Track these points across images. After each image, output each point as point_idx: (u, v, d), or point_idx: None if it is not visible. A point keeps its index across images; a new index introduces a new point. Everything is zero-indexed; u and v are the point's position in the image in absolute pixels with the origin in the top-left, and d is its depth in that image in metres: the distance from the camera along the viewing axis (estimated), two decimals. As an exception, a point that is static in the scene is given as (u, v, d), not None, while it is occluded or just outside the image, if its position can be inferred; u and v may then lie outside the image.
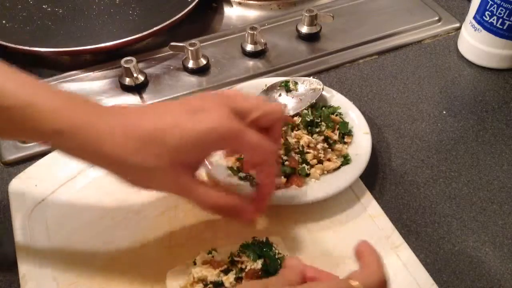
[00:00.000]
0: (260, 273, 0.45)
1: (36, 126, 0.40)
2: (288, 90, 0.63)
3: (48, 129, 0.40)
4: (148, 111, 0.43)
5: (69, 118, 0.40)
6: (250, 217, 0.47)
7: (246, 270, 0.45)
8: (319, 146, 0.55)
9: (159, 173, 0.41)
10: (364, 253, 0.41)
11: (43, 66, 0.72)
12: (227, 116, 0.41)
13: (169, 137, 0.40)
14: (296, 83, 0.63)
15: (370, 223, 0.52)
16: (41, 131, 0.40)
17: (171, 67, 0.70)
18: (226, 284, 0.44)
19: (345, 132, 0.58)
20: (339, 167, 0.55)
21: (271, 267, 0.45)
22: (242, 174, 0.54)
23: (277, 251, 0.47)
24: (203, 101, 0.43)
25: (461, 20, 0.75)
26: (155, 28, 0.70)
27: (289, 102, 0.62)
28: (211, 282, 0.44)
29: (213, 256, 0.46)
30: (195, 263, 0.46)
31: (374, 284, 0.38)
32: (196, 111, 0.41)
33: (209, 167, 0.54)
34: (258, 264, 0.45)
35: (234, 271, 0.45)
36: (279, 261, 0.46)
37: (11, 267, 0.49)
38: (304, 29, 0.74)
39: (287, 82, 0.63)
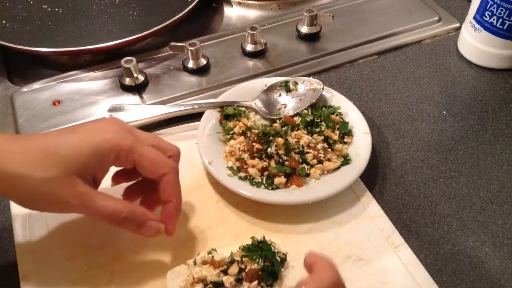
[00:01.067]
0: (260, 273, 0.45)
1: None
2: (288, 90, 0.63)
3: None
4: (45, 133, 0.44)
5: None
6: (155, 229, 0.45)
7: (247, 270, 0.45)
8: (319, 146, 0.55)
9: (56, 184, 0.41)
10: (313, 262, 0.40)
11: (43, 66, 0.72)
12: (121, 131, 0.43)
13: (64, 148, 0.41)
14: (296, 83, 0.63)
15: (370, 223, 0.52)
16: None
17: (171, 67, 0.70)
18: (226, 284, 0.44)
19: (345, 132, 0.58)
20: (339, 167, 0.55)
21: (275, 268, 0.45)
22: (242, 174, 0.54)
23: (276, 251, 0.47)
24: (103, 122, 0.45)
25: (461, 20, 0.75)
26: (155, 28, 0.70)
27: (289, 102, 0.62)
28: (211, 282, 0.44)
29: (213, 256, 0.46)
30: (195, 263, 0.46)
31: (328, 286, 0.38)
32: (94, 129, 0.43)
33: (209, 167, 0.54)
34: (259, 265, 0.45)
35: (234, 269, 0.45)
36: (278, 259, 0.46)
37: (11, 267, 0.49)
38: (304, 29, 0.74)
39: (287, 82, 0.63)
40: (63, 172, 0.41)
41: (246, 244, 0.47)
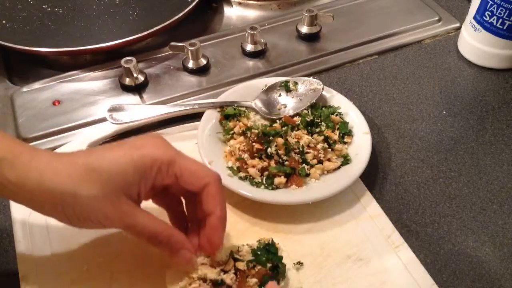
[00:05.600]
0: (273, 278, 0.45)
1: None
2: (288, 90, 0.63)
3: None
4: (89, 150, 0.44)
5: (8, 147, 0.40)
6: (186, 259, 0.44)
7: (257, 269, 0.45)
8: (319, 146, 0.55)
9: (101, 201, 0.40)
10: None
11: (43, 66, 0.72)
12: (162, 143, 0.43)
13: (109, 165, 0.41)
14: (296, 83, 0.63)
15: (370, 223, 0.52)
16: None
17: (171, 67, 0.70)
18: (227, 280, 0.44)
19: (345, 132, 0.58)
20: (339, 167, 0.55)
21: (280, 271, 0.45)
22: (242, 174, 0.54)
23: (282, 255, 0.47)
24: (143, 138, 0.44)
25: (461, 20, 0.75)
26: (155, 28, 0.70)
27: (289, 102, 0.62)
28: (211, 281, 0.44)
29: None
30: (194, 263, 0.46)
31: None
32: (135, 145, 0.43)
33: (209, 167, 0.54)
34: (266, 267, 0.45)
35: (229, 265, 0.45)
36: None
37: (11, 267, 0.49)
38: (304, 29, 0.74)
39: (287, 82, 0.63)
40: (108, 189, 0.41)
41: (256, 249, 0.47)
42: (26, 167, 0.40)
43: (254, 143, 0.55)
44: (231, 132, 0.58)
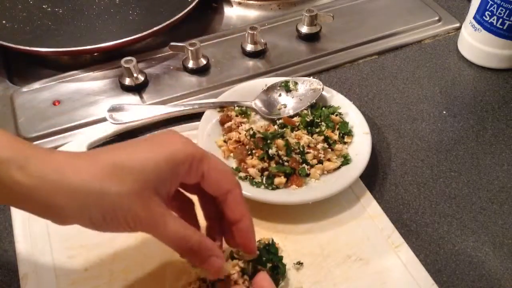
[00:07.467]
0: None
1: None
2: (288, 90, 0.63)
3: None
4: (109, 147, 0.40)
5: (15, 146, 0.36)
6: (216, 268, 0.41)
7: (260, 272, 0.45)
8: (319, 146, 0.55)
9: (132, 199, 0.37)
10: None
11: (43, 66, 0.72)
12: (189, 141, 0.41)
13: (135, 162, 0.37)
14: (296, 83, 0.63)
15: (370, 223, 0.52)
16: None
17: (171, 67, 0.70)
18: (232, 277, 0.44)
19: (345, 132, 0.58)
20: (339, 167, 0.55)
21: (281, 271, 0.46)
22: (242, 174, 0.54)
23: (282, 255, 0.47)
24: (166, 134, 0.41)
25: (461, 20, 0.75)
26: (155, 28, 0.70)
27: (289, 102, 0.62)
28: (210, 281, 0.44)
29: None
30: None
31: None
32: (160, 141, 0.40)
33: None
34: (266, 268, 0.45)
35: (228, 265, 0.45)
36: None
37: (11, 267, 0.49)
38: (304, 29, 0.74)
39: (287, 82, 0.63)
40: (140, 187, 0.37)
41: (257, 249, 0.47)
42: (41, 167, 0.36)
43: (254, 150, 0.54)
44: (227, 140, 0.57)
